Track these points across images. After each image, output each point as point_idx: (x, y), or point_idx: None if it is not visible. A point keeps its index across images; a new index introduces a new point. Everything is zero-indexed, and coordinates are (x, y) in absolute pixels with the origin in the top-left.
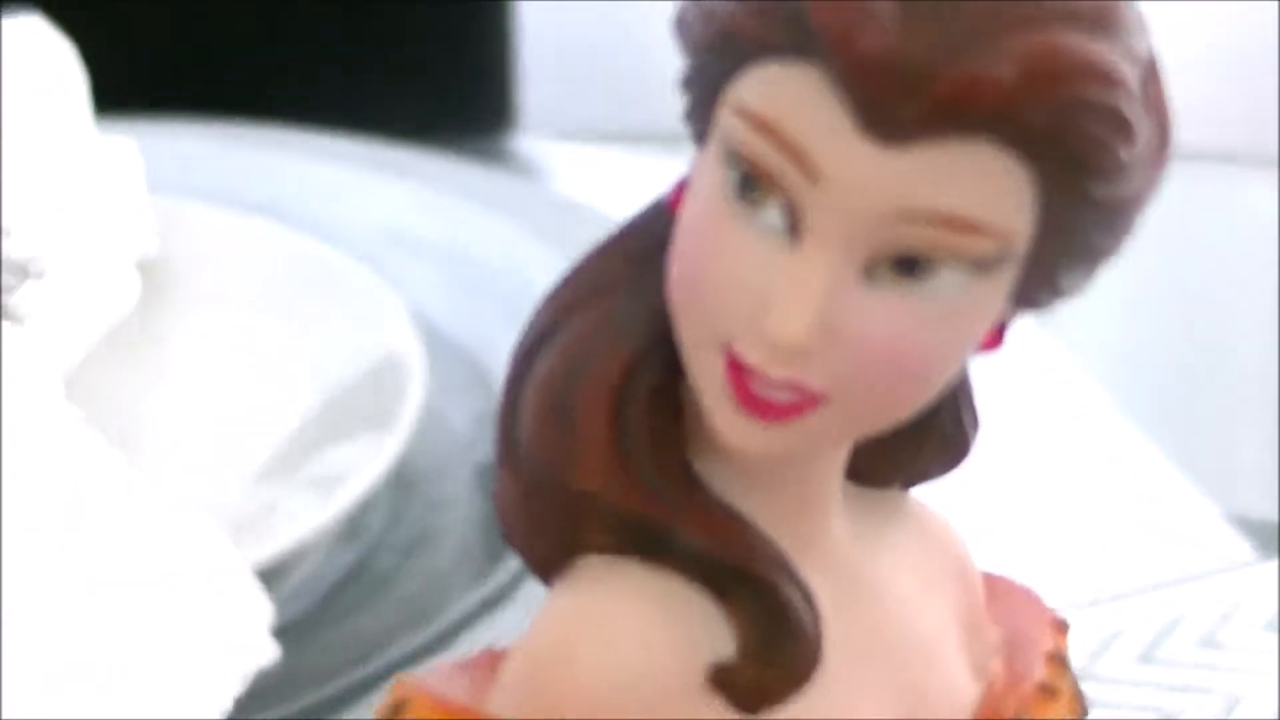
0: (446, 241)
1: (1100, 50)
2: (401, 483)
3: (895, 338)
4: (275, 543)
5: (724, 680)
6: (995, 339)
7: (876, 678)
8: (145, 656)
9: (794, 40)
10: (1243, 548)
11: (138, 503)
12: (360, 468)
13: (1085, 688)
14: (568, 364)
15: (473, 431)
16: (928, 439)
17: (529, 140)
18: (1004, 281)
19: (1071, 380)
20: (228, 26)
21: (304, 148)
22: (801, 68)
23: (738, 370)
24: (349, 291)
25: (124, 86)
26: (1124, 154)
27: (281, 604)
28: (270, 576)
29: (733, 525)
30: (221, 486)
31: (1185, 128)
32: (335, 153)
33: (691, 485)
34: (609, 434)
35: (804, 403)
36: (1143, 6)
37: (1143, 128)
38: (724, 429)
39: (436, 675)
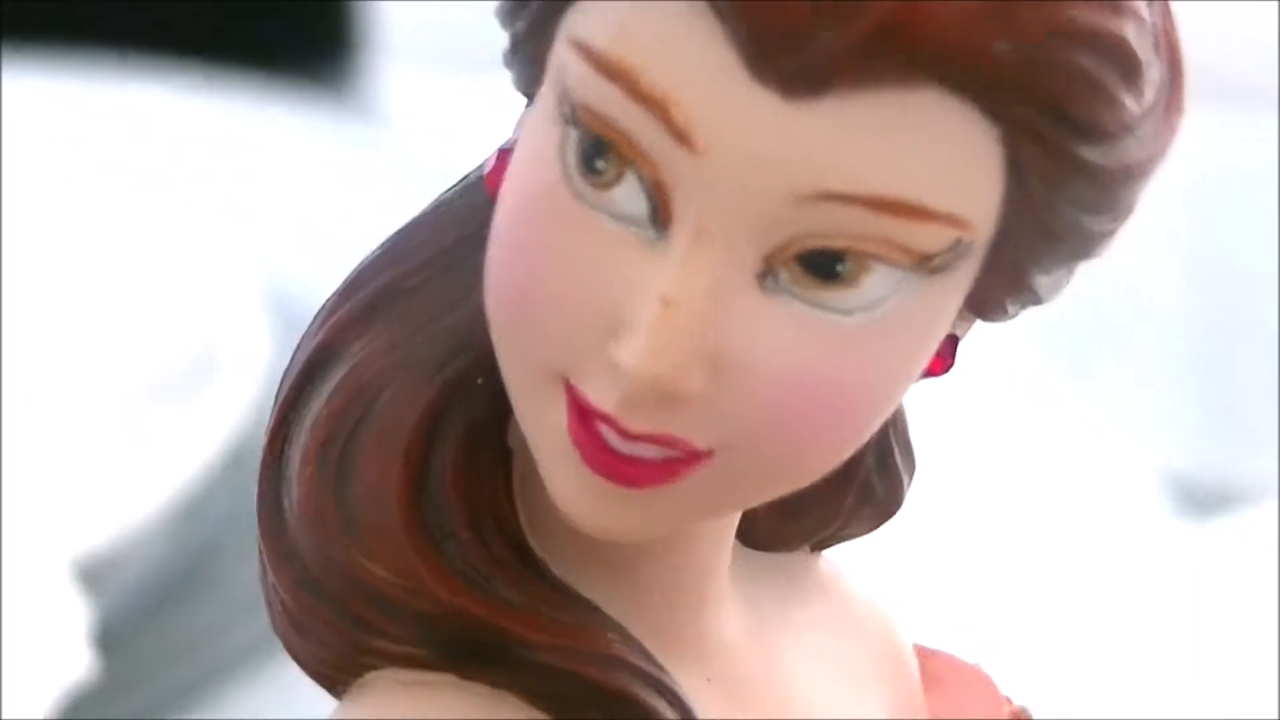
0: (284, 186)
1: None
2: (236, 459)
3: (808, 369)
4: (104, 533)
5: None
6: (944, 360)
7: None
8: None
9: None
10: (1165, 505)
11: None
12: (192, 447)
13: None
14: (348, 405)
15: None
16: (846, 491)
17: (381, 63)
18: (958, 284)
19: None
20: None
21: (129, 75)
22: None
23: (584, 417)
24: (185, 270)
25: None
26: (1128, 104)
27: (114, 594)
28: (92, 577)
29: (586, 625)
30: (42, 468)
31: None
32: (160, 79)
33: (526, 572)
34: (404, 502)
35: (678, 463)
36: None
37: (1151, 66)
38: (567, 497)
39: None
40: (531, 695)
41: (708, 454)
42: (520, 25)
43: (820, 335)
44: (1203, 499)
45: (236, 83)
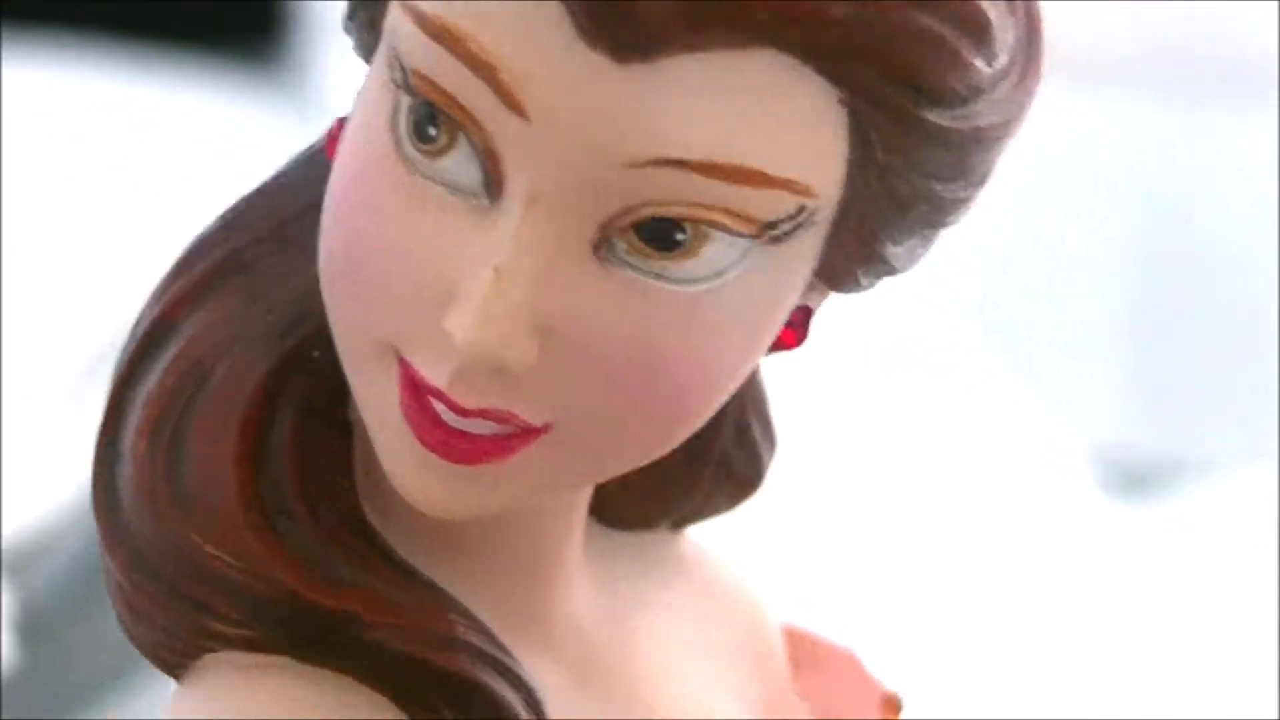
0: (227, 179)
1: None
2: None
3: (645, 340)
4: (26, 521)
5: None
6: (795, 333)
7: None
8: None
9: None
10: (1090, 485)
11: None
12: None
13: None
14: (182, 379)
15: None
16: (703, 468)
17: (311, 51)
18: (804, 254)
19: (924, 312)
20: None
21: (79, 67)
22: None
23: (416, 392)
24: (108, 256)
25: None
26: (979, 66)
27: (37, 585)
28: (24, 557)
29: (426, 606)
30: None
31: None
32: (107, 75)
33: (364, 551)
34: (238, 479)
35: (513, 438)
36: None
37: (1004, 28)
38: (400, 474)
39: None
40: (370, 678)
41: (543, 429)
42: None
43: (659, 306)
44: (1134, 476)
45: (167, 65)
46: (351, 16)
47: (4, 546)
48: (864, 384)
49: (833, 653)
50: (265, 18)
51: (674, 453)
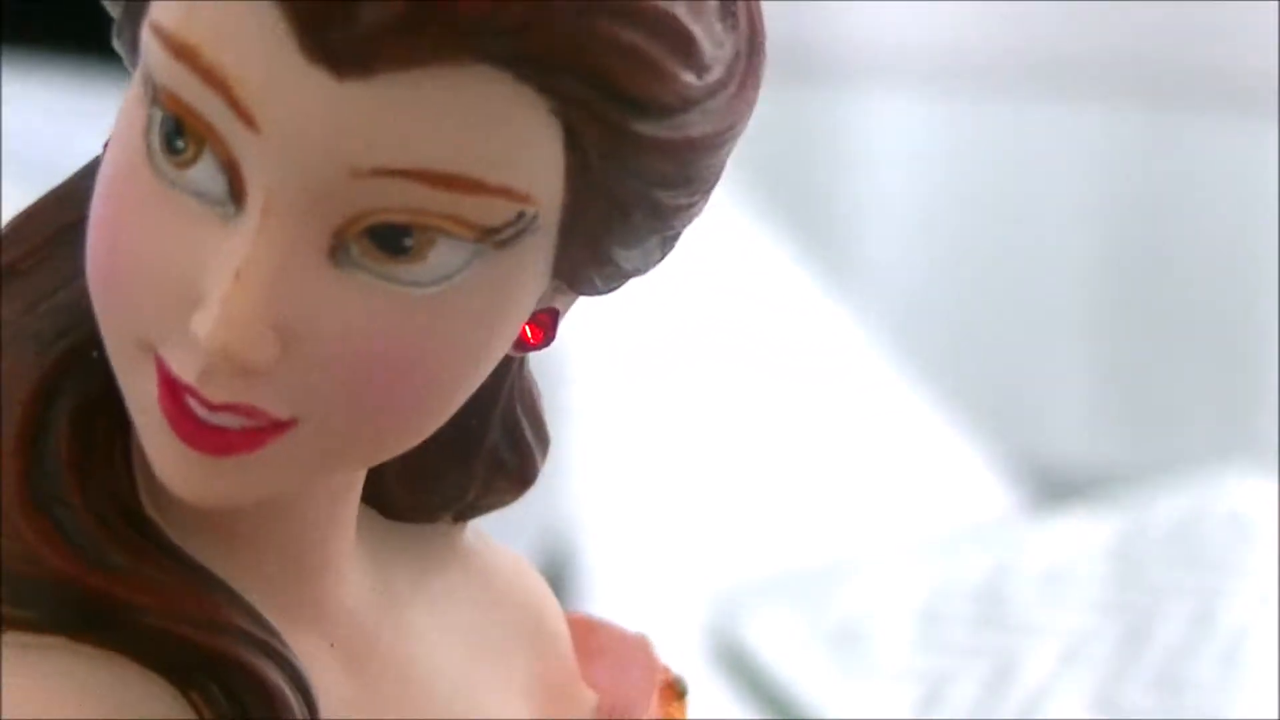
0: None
1: None
2: None
3: (380, 339)
4: None
5: None
6: (541, 332)
7: None
8: None
9: None
10: (1023, 498)
11: None
12: None
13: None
14: None
15: None
16: (475, 463)
17: None
18: (533, 257)
19: (849, 326)
20: None
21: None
22: None
23: (172, 387)
24: None
25: None
26: (686, 79)
27: None
28: None
29: (194, 589)
30: None
31: (990, 51)
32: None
33: (137, 539)
34: (18, 470)
35: (260, 432)
36: None
37: (717, 42)
38: (161, 465)
39: None
40: (142, 658)
41: (289, 423)
42: (118, 8)
43: (390, 307)
44: (1073, 488)
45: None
46: (117, 35)
47: None
48: (793, 407)
49: (623, 638)
50: None
51: (443, 447)
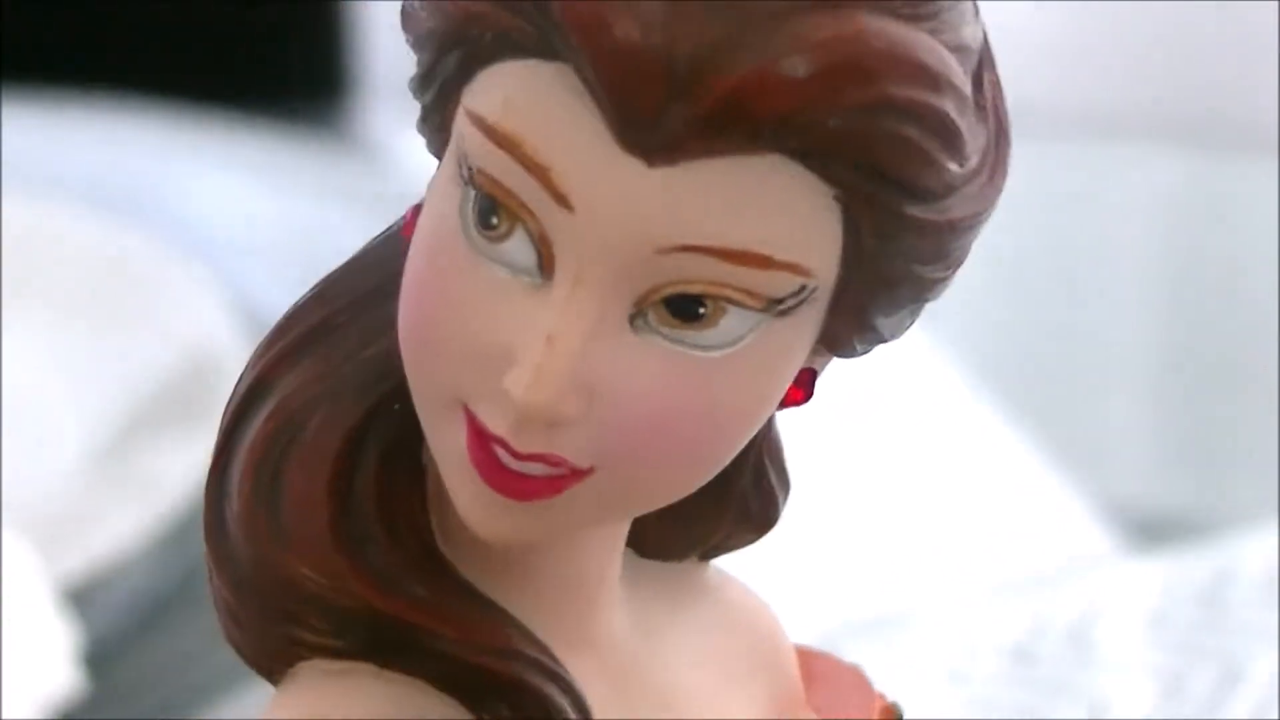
0: (269, 224)
1: (917, 38)
2: None
3: (672, 398)
4: (88, 555)
5: None
6: (802, 391)
7: None
8: None
9: (538, 34)
10: (1112, 540)
11: None
12: (177, 473)
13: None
14: (280, 428)
15: None
16: (726, 507)
17: (371, 109)
18: (807, 324)
19: (936, 367)
20: None
21: (113, 120)
22: (549, 68)
23: (481, 438)
24: (160, 283)
25: None
26: (951, 168)
27: (102, 616)
28: (81, 596)
29: (487, 620)
30: (39, 488)
31: (1063, 96)
32: (144, 124)
33: (436, 573)
34: (329, 511)
35: (562, 479)
36: None
37: (974, 134)
38: (467, 508)
39: None
40: (440, 682)
41: (587, 471)
42: (428, 97)
43: (682, 369)
44: (1152, 530)
45: (228, 122)
46: (425, 120)
47: (69, 580)
48: (873, 450)
49: (840, 668)
50: (327, 81)
51: (700, 493)
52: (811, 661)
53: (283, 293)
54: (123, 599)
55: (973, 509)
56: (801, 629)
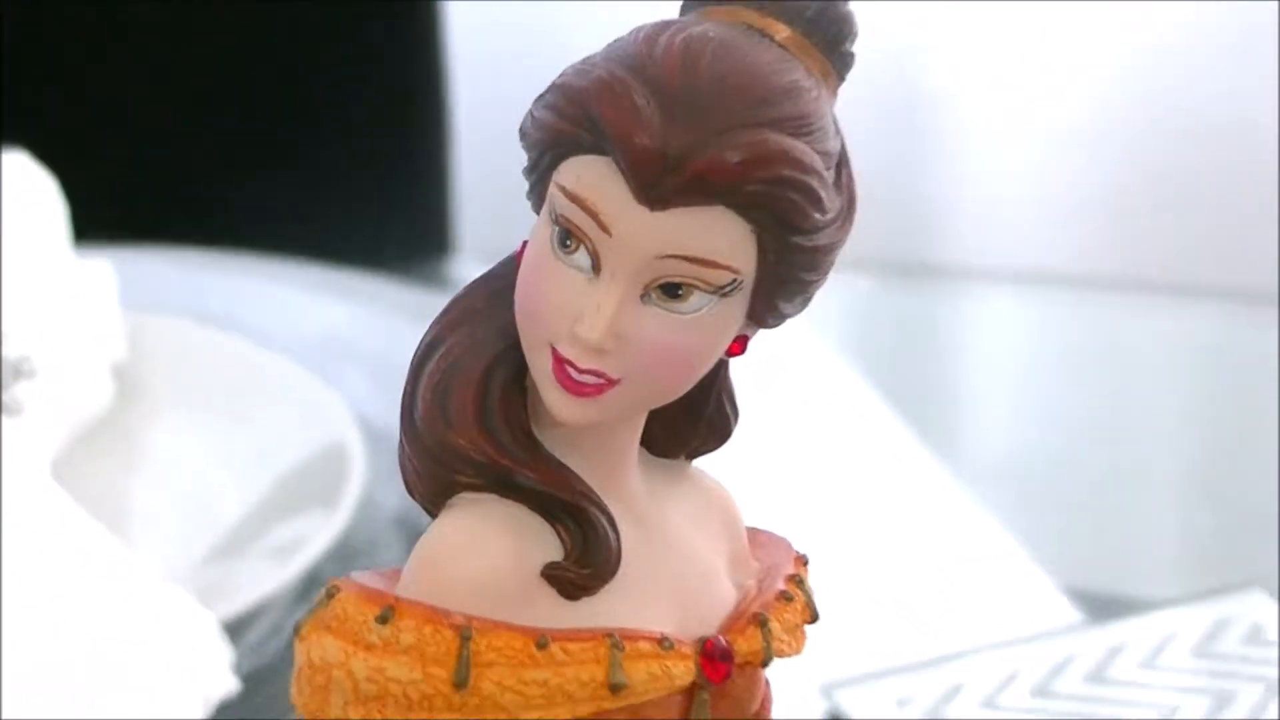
0: (383, 351)
1: (800, 145)
2: (345, 553)
3: (663, 341)
4: (238, 602)
5: (553, 577)
6: (739, 346)
7: (661, 588)
8: (123, 685)
9: (592, 139)
10: (1073, 614)
11: (119, 569)
12: (310, 540)
13: None
14: (447, 366)
15: (402, 512)
16: (699, 421)
17: (465, 262)
18: (739, 304)
19: (918, 460)
20: (197, 163)
21: (261, 271)
22: (599, 158)
23: (559, 363)
24: (297, 393)
25: (102, 215)
26: (817, 217)
27: (243, 657)
28: (233, 632)
29: (560, 472)
30: (192, 557)
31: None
32: (288, 275)
33: (532, 444)
34: (475, 410)
35: (604, 385)
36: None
37: (832, 199)
38: (551, 404)
39: (360, 576)
40: (534, 505)
41: (618, 380)
42: (533, 178)
43: (670, 325)
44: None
45: (341, 280)
46: (531, 191)
47: (224, 619)
48: (856, 529)
49: (773, 536)
50: (435, 242)
51: (686, 411)
52: (755, 534)
53: (386, 401)
54: (263, 635)
55: (951, 583)
56: (820, 680)
